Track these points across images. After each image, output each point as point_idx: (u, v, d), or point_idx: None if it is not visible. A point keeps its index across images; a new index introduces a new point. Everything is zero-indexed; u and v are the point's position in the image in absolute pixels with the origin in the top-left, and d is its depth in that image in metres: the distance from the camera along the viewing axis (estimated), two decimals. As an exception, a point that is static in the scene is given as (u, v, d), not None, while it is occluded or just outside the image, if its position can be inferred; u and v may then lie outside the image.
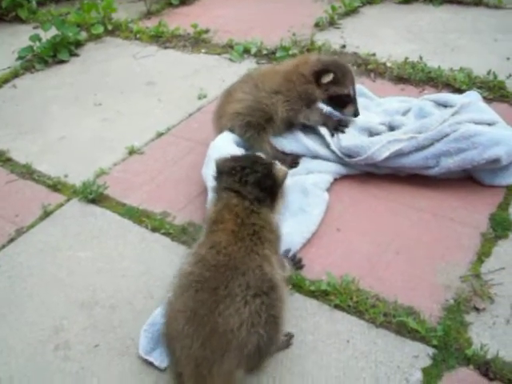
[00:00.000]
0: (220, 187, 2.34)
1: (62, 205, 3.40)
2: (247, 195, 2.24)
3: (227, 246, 2.10)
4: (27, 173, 3.75)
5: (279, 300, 2.08)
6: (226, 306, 1.95)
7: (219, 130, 3.46)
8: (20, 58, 5.45)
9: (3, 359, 2.49)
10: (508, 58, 4.44)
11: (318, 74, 3.31)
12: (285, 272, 2.30)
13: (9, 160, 3.94)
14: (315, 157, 3.36)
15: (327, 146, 3.29)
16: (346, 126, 3.40)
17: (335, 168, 3.31)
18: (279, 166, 2.39)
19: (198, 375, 1.94)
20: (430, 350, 2.31)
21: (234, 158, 2.42)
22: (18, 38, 5.88)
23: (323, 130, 3.31)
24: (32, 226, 3.26)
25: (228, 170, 2.32)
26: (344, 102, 3.38)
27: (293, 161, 3.37)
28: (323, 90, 3.34)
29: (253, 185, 2.26)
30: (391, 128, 3.36)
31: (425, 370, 2.24)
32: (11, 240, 3.17)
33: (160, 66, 5.09)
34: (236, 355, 1.94)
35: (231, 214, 2.19)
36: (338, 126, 3.38)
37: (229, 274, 2.02)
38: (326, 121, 3.40)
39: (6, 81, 5.16)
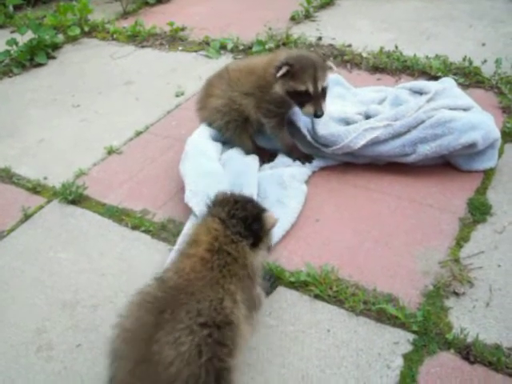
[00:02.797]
0: (207, 214, 2.23)
1: (42, 207, 3.39)
2: (230, 226, 2.12)
3: (191, 271, 1.99)
4: (6, 176, 3.73)
5: (233, 342, 1.91)
6: (165, 332, 1.82)
7: (202, 121, 3.49)
8: (-3, 62, 5.43)
9: (-14, 362, 2.49)
10: (483, 44, 4.48)
11: (278, 69, 3.09)
12: (255, 313, 2.14)
13: (-12, 165, 3.92)
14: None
15: (303, 138, 3.28)
16: (310, 162, 3.32)
17: (313, 161, 3.33)
18: (270, 214, 2.22)
19: None
20: (411, 336, 2.32)
21: (232, 194, 2.28)
22: (-6, 43, 5.84)
23: (299, 122, 3.31)
24: (12, 229, 3.24)
25: (220, 201, 2.23)
26: (303, 100, 3.10)
27: (270, 156, 3.39)
28: (281, 84, 3.12)
29: (239, 220, 2.13)
30: (367, 117, 3.36)
31: (406, 356, 2.26)
32: (-8, 244, 3.16)
33: (137, 66, 5.10)
34: None
35: (208, 236, 2.08)
36: (300, 158, 3.32)
37: (181, 298, 1.90)
38: (289, 149, 3.35)
39: (-16, 86, 5.13)
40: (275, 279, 2.62)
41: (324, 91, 3.11)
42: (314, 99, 3.07)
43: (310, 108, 3.08)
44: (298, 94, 3.08)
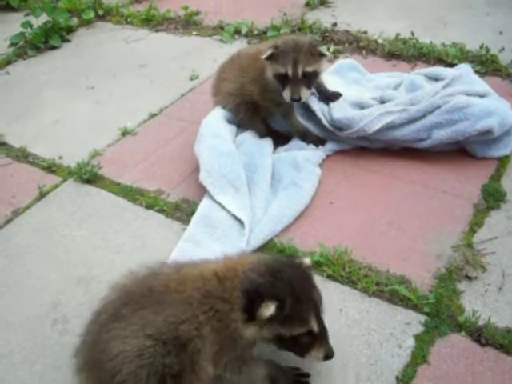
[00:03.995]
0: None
1: (57, 186, 3.42)
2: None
3: (177, 285, 1.96)
4: (22, 156, 3.78)
5: (179, 362, 1.89)
6: (118, 326, 1.91)
7: (215, 106, 3.50)
8: (12, 44, 5.46)
9: (3, 335, 2.53)
10: (501, 32, 4.44)
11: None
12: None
13: (4, 144, 3.96)
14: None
15: (318, 121, 3.29)
16: (323, 145, 3.31)
17: (327, 145, 3.34)
18: (271, 304, 1.85)
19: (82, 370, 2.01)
20: (422, 318, 2.34)
21: (272, 260, 2.06)
22: (9, 26, 5.87)
23: (315, 106, 3.30)
24: (28, 207, 3.29)
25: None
26: (284, 83, 3.06)
27: (285, 139, 3.40)
28: (269, 68, 3.11)
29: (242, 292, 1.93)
30: (382, 102, 3.35)
31: (417, 337, 2.28)
32: (8, 221, 3.20)
33: (151, 49, 5.10)
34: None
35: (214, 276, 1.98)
36: (314, 141, 3.32)
37: (146, 301, 1.93)
38: (302, 133, 3.34)
39: (-1, 68, 5.17)
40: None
41: (308, 76, 3.05)
42: (292, 83, 3.03)
43: (287, 92, 3.05)
44: (280, 77, 3.06)
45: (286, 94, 3.05)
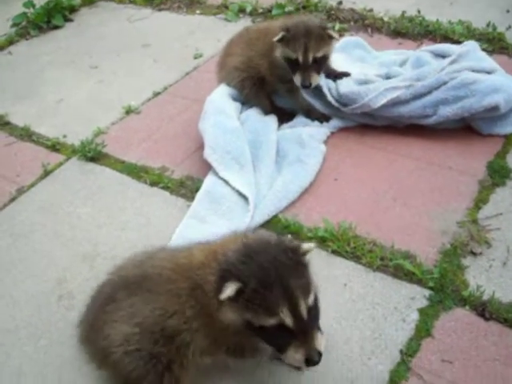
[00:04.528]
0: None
1: (61, 164, 3.43)
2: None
3: (172, 271, 1.89)
4: (26, 135, 3.78)
5: (167, 352, 1.88)
6: (113, 308, 1.93)
7: (220, 82, 3.49)
8: (15, 25, 5.44)
9: (9, 311, 2.55)
10: (508, 11, 4.40)
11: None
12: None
13: (7, 124, 3.96)
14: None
15: (324, 97, 3.26)
16: (327, 121, 3.31)
17: (332, 122, 3.32)
18: (231, 288, 1.70)
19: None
20: (427, 292, 2.34)
21: (259, 242, 1.84)
22: (11, 6, 5.82)
23: (321, 82, 3.26)
24: (32, 185, 3.29)
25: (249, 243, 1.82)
26: (295, 68, 3.08)
27: (289, 116, 3.39)
28: (279, 49, 3.11)
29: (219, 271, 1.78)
30: (388, 79, 3.31)
31: (421, 311, 2.28)
32: (12, 199, 3.20)
33: (155, 28, 5.07)
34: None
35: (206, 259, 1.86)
36: (318, 118, 3.31)
37: (138, 288, 1.90)
38: (306, 110, 3.33)
39: (1, 48, 5.16)
40: None
41: (318, 61, 3.06)
42: (302, 69, 3.04)
43: (298, 77, 3.07)
44: (291, 62, 3.07)
45: (297, 80, 3.07)
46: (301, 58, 3.02)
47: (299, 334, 1.71)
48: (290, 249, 1.78)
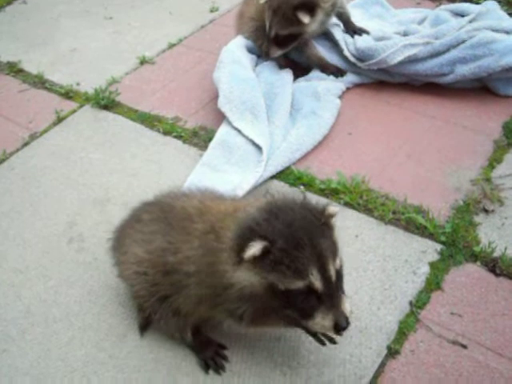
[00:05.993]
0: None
1: (74, 111, 3.42)
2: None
3: (195, 214, 1.85)
4: (39, 82, 3.76)
5: (172, 284, 1.89)
6: (134, 227, 2.04)
7: (237, 32, 3.48)
8: (30, -26, 5.35)
9: (19, 252, 2.57)
10: (529, -28, 4.30)
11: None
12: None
13: (20, 71, 3.94)
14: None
15: (341, 52, 3.23)
16: (343, 76, 3.28)
17: (348, 77, 3.29)
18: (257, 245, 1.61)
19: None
20: (438, 246, 2.34)
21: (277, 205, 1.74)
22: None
23: (338, 36, 3.24)
24: (45, 131, 3.29)
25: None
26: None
27: (304, 70, 3.35)
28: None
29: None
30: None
31: (432, 264, 2.28)
32: (25, 144, 3.21)
33: (171, -19, 4.99)
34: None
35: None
36: (334, 72, 3.28)
37: (162, 218, 1.94)
38: (320, 64, 3.30)
39: (16, -3, 5.09)
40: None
41: (282, 38, 3.13)
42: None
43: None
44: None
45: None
46: (267, 29, 3.11)
47: (327, 299, 1.60)
48: (317, 210, 1.69)
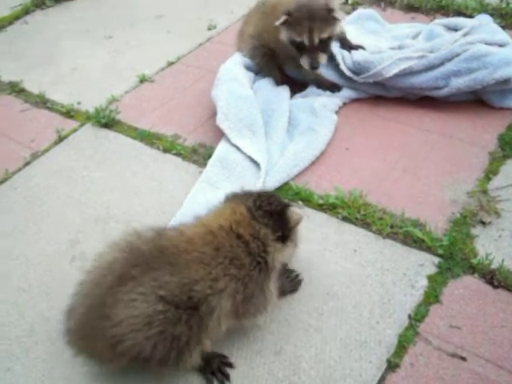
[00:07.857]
0: (230, 199, 2.10)
1: (75, 130, 3.46)
2: (258, 217, 1.98)
3: (188, 242, 1.90)
4: (41, 102, 3.80)
5: (192, 327, 1.84)
6: (125, 288, 1.81)
7: (237, 50, 3.52)
8: (30, -6, 5.42)
9: (22, 270, 2.59)
10: (521, -14, 4.35)
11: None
12: (256, 308, 2.02)
13: (22, 90, 3.98)
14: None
15: (337, 66, 3.28)
16: (339, 91, 3.30)
17: (344, 92, 3.32)
18: (295, 210, 2.08)
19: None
20: (436, 259, 2.36)
21: (255, 191, 2.15)
22: (27, -24, 5.83)
23: (335, 49, 3.29)
24: (47, 150, 3.33)
25: (243, 194, 2.09)
26: (301, 50, 3.07)
27: (301, 86, 3.39)
28: (284, 32, 3.08)
29: (266, 212, 2.01)
30: (401, 51, 3.32)
31: (430, 277, 2.30)
32: (27, 163, 3.24)
33: (168, 0, 5.05)
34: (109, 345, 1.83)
35: (232, 216, 1.98)
36: (330, 87, 3.30)
37: (156, 262, 1.84)
38: (317, 80, 3.32)
39: (17, 17, 5.14)
40: (299, 280, 2.36)
41: (324, 42, 3.04)
42: (309, 51, 3.04)
43: (305, 60, 3.07)
44: (296, 44, 3.05)
45: (305, 63, 3.07)
46: (306, 41, 3.00)
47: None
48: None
